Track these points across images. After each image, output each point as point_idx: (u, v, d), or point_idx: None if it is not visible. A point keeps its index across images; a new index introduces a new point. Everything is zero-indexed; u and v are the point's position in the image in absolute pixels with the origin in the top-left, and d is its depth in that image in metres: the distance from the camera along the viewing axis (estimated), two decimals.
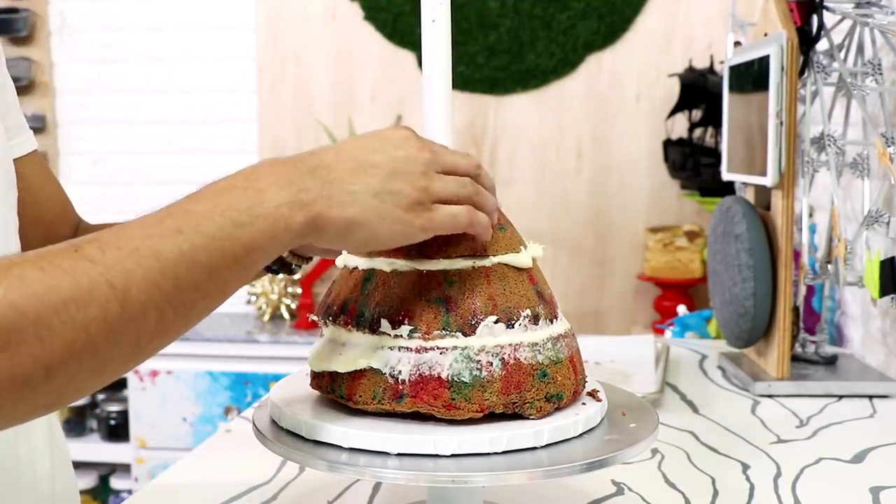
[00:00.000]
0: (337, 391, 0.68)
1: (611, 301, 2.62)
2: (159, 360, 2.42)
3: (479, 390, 0.64)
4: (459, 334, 0.65)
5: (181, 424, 2.41)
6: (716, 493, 0.90)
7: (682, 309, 2.10)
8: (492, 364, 0.65)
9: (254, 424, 0.71)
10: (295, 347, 2.37)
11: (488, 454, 0.63)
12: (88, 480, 2.56)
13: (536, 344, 0.67)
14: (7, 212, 0.78)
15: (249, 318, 2.66)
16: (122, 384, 2.46)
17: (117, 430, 2.49)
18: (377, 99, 2.67)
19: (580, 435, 0.68)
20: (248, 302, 2.69)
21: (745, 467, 0.97)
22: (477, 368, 0.64)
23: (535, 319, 0.68)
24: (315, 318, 0.72)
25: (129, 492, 2.49)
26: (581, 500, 0.88)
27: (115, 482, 2.57)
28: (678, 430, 1.09)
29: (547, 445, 0.65)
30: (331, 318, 0.70)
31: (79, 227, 0.92)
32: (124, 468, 2.52)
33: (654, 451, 1.01)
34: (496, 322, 0.66)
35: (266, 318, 2.61)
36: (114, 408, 2.49)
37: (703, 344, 1.60)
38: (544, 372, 0.66)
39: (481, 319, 0.65)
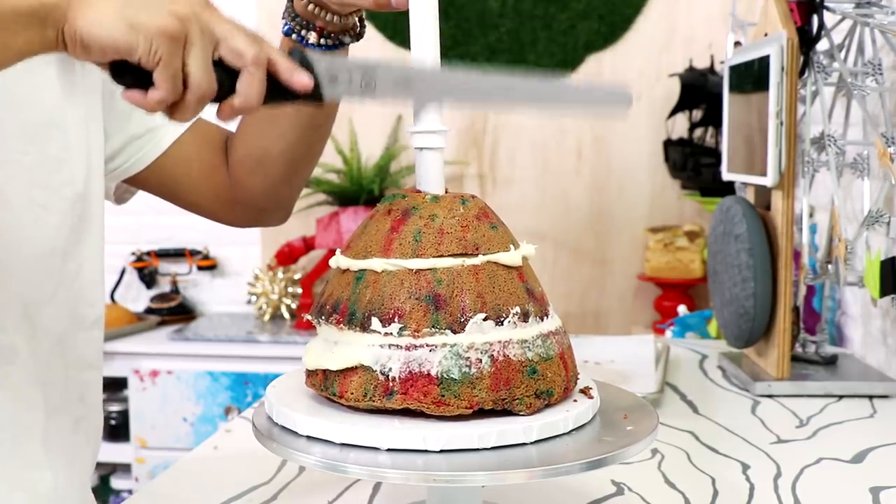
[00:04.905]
0: (329, 388, 0.69)
1: (611, 301, 2.62)
2: (159, 360, 2.42)
3: (469, 387, 0.65)
4: (449, 332, 0.66)
5: (181, 424, 2.41)
6: (716, 493, 0.90)
7: (682, 309, 2.10)
8: (481, 361, 0.66)
9: (253, 424, 0.71)
10: (295, 347, 2.37)
11: (480, 451, 0.64)
12: None
13: (526, 341, 0.68)
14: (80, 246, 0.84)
15: (250, 318, 2.66)
16: (122, 384, 2.46)
17: (117, 430, 2.49)
18: None
19: (573, 434, 0.68)
20: (249, 302, 2.69)
21: (745, 467, 0.97)
22: (466, 365, 0.65)
23: (524, 317, 0.68)
24: (309, 317, 0.73)
25: (130, 492, 2.49)
26: (581, 500, 0.88)
27: (115, 482, 2.56)
28: (678, 430, 1.09)
29: (539, 443, 0.66)
30: (324, 318, 0.71)
31: (228, 138, 0.97)
32: (124, 468, 2.52)
33: (654, 451, 1.01)
34: (485, 319, 0.67)
35: (266, 318, 2.60)
36: (114, 408, 2.49)
37: (703, 344, 1.60)
38: (534, 368, 0.67)
39: (470, 317, 0.66)
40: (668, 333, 1.91)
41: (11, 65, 0.59)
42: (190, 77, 0.59)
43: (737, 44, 1.49)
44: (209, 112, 0.64)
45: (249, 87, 0.61)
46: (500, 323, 0.67)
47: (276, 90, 0.62)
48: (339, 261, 0.72)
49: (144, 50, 0.57)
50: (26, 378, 0.80)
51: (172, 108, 0.61)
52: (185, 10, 0.58)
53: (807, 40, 1.25)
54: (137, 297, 2.80)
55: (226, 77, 0.61)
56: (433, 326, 0.66)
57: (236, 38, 0.60)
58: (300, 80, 0.62)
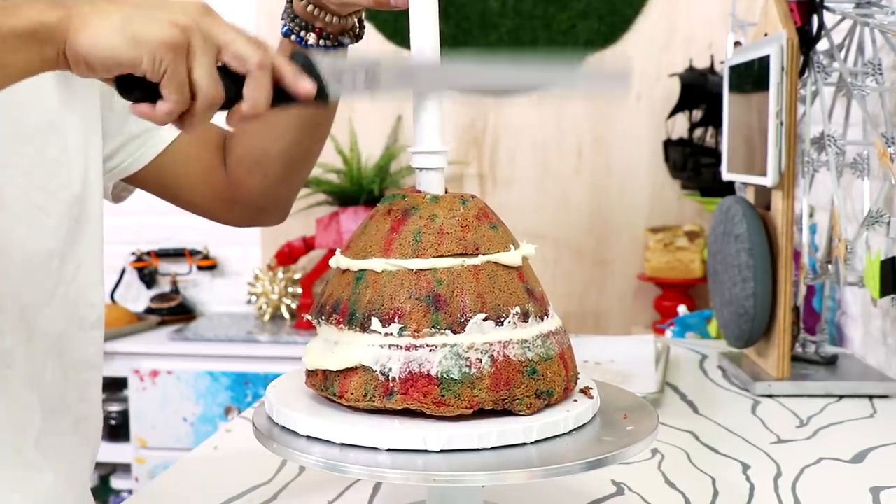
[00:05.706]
0: (329, 389, 0.69)
1: (611, 301, 2.62)
2: (159, 360, 2.42)
3: (469, 387, 0.65)
4: (449, 332, 0.66)
5: (181, 424, 2.41)
6: (716, 493, 0.90)
7: (682, 309, 2.10)
8: (481, 361, 0.66)
9: (253, 424, 0.71)
10: (295, 347, 2.37)
11: (480, 451, 0.64)
12: None
13: (526, 341, 0.68)
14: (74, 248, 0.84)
15: (250, 318, 2.66)
16: (122, 384, 2.46)
17: (117, 430, 2.49)
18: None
19: (573, 434, 0.68)
20: (249, 302, 2.69)
21: (745, 467, 0.97)
22: (466, 365, 0.65)
23: (524, 317, 0.68)
24: (309, 317, 0.73)
25: (129, 492, 2.49)
26: (581, 500, 0.88)
27: (115, 482, 2.56)
28: (678, 430, 1.09)
29: (539, 443, 0.66)
30: (324, 318, 0.71)
31: (226, 138, 0.97)
32: (124, 468, 2.52)
33: (654, 451, 1.01)
34: (485, 319, 0.67)
35: (266, 318, 2.60)
36: (114, 408, 2.49)
37: (703, 344, 1.60)
38: (534, 369, 0.67)
39: (470, 317, 0.66)
40: (668, 333, 1.91)
41: (11, 84, 0.59)
42: (197, 86, 0.59)
43: (737, 44, 1.49)
44: (216, 117, 0.64)
45: (256, 91, 0.61)
46: (500, 323, 0.67)
47: (282, 94, 0.63)
48: (339, 261, 0.72)
49: (149, 63, 0.57)
50: (23, 380, 0.80)
51: (181, 119, 0.61)
52: (186, 19, 0.58)
53: (807, 40, 1.25)
54: (137, 297, 2.80)
55: (231, 83, 0.61)
56: (433, 326, 0.66)
57: (239, 44, 0.60)
58: (304, 86, 0.62)
